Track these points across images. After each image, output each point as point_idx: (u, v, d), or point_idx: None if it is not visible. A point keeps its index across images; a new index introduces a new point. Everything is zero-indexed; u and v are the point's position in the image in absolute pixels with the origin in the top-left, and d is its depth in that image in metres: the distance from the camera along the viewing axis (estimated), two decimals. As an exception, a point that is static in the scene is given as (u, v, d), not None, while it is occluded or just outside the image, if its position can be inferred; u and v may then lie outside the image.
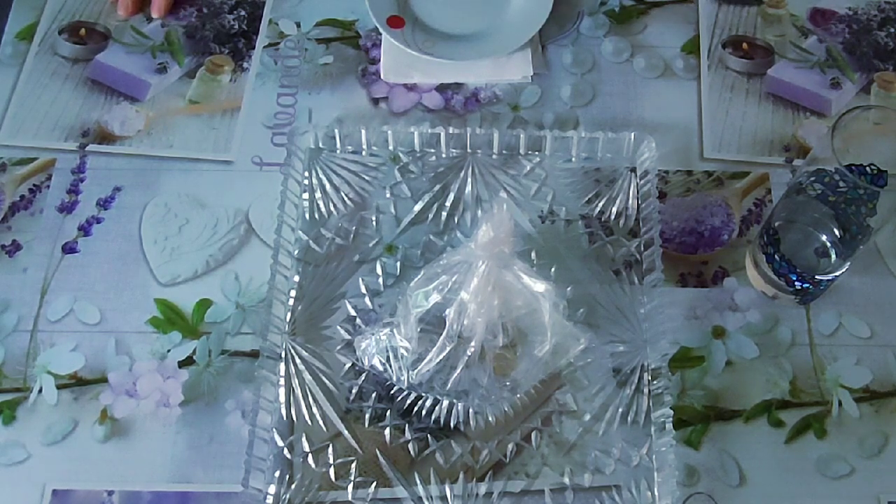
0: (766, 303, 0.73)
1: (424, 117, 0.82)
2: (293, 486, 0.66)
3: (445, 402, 0.68)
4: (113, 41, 0.86)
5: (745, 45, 0.86)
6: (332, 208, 0.77)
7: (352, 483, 0.66)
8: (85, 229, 0.76)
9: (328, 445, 0.67)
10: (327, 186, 0.78)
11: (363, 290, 0.73)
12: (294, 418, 0.68)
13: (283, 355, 0.70)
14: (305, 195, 0.77)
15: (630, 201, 0.77)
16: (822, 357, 0.71)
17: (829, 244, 0.68)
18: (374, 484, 0.66)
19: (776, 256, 0.69)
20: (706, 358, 0.71)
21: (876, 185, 0.60)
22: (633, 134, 0.77)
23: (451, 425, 0.68)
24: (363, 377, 0.70)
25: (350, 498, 0.66)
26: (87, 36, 0.87)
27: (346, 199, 0.77)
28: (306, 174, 0.78)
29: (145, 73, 0.84)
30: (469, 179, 0.78)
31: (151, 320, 0.72)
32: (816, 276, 0.69)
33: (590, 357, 0.70)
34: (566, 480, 0.66)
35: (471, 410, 0.68)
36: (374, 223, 0.76)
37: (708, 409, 0.69)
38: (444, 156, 0.79)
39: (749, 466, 0.67)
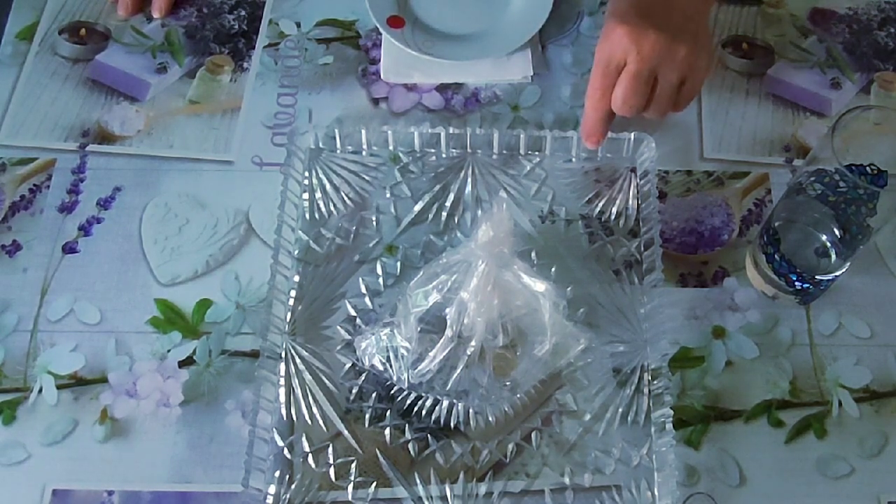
0: (766, 303, 0.73)
1: (424, 117, 0.82)
2: (293, 486, 0.66)
3: (445, 402, 0.68)
4: (113, 41, 0.86)
5: (745, 45, 0.86)
6: (332, 208, 0.77)
7: (352, 483, 0.66)
8: (85, 229, 0.76)
9: (328, 445, 0.67)
10: (327, 186, 0.78)
11: (363, 290, 0.73)
12: (294, 418, 0.68)
13: (283, 355, 0.70)
14: (305, 195, 0.77)
15: (630, 201, 0.77)
16: (822, 357, 0.71)
17: (829, 244, 0.68)
18: (374, 484, 0.66)
19: (776, 256, 0.69)
20: (706, 358, 0.71)
21: (876, 185, 0.60)
22: (633, 134, 0.77)
23: (451, 425, 0.68)
24: (363, 377, 0.70)
25: (350, 498, 0.66)
26: (87, 36, 0.87)
27: (346, 199, 0.77)
28: (306, 174, 0.78)
29: (145, 73, 0.84)
30: (469, 179, 0.78)
31: (151, 320, 0.72)
32: (816, 276, 0.69)
33: (590, 357, 0.70)
34: (566, 480, 0.66)
35: (471, 410, 0.68)
36: (374, 223, 0.76)
37: (708, 409, 0.69)
38: (444, 156, 0.79)
39: (749, 466, 0.67)
